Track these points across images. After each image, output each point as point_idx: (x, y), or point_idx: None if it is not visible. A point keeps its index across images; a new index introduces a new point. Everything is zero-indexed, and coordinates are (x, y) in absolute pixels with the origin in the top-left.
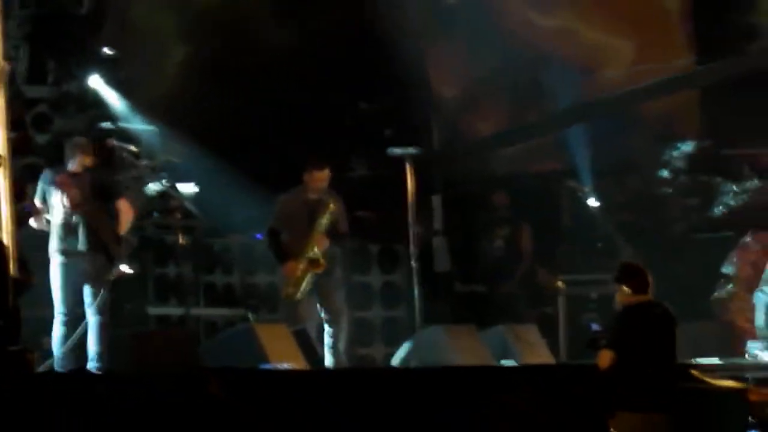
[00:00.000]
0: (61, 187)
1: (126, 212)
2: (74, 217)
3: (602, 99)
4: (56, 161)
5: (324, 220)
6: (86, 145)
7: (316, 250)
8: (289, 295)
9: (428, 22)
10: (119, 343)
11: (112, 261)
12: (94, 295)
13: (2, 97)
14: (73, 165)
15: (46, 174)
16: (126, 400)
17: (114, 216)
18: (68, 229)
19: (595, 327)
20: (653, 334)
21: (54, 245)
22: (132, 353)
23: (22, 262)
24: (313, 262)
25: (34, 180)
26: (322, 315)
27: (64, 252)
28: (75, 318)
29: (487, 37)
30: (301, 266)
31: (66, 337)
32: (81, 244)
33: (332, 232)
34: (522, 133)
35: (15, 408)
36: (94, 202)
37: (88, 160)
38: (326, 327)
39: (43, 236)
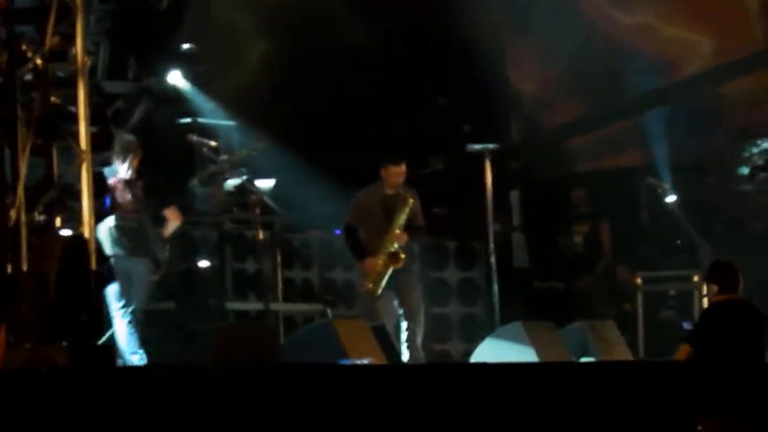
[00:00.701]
0: (115, 192)
1: (173, 220)
2: (125, 222)
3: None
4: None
5: (403, 215)
6: (137, 147)
7: (395, 245)
8: (368, 290)
9: (507, 17)
10: (201, 338)
11: (157, 265)
12: (136, 297)
13: (83, 92)
14: (125, 169)
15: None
16: (207, 394)
17: (162, 220)
18: (120, 233)
19: (686, 326)
20: (738, 332)
21: (106, 247)
22: (213, 348)
23: (102, 257)
24: (394, 257)
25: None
26: (399, 311)
27: (114, 255)
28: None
29: (566, 33)
30: (381, 261)
31: (132, 329)
32: (129, 249)
33: (410, 227)
34: (600, 120)
35: (102, 402)
36: (145, 208)
37: (137, 162)
38: (403, 323)
39: None
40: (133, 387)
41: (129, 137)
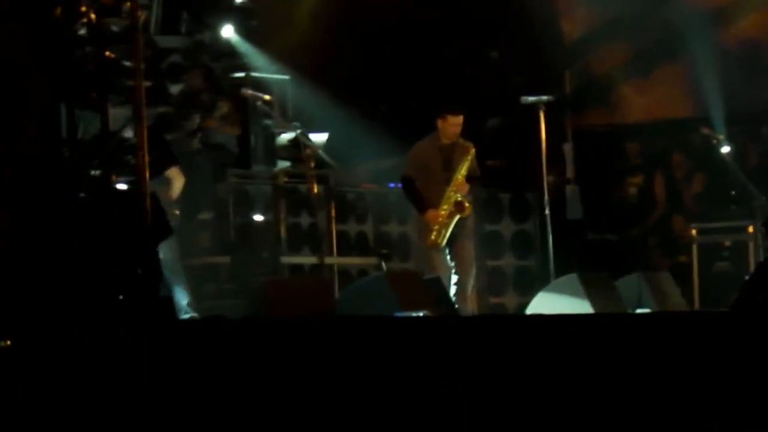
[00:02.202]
0: None
1: (177, 180)
2: None
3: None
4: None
5: (466, 165)
6: None
7: (458, 194)
8: (432, 242)
9: None
10: (254, 291)
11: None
12: None
13: (139, 47)
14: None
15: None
16: (262, 347)
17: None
18: None
19: None
20: None
21: None
22: (269, 300)
23: (157, 211)
24: (459, 206)
25: (168, 129)
26: (452, 263)
27: None
28: None
29: None
30: (444, 212)
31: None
32: None
33: (469, 178)
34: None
35: (165, 356)
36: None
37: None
38: (454, 276)
39: None
40: (191, 340)
41: None
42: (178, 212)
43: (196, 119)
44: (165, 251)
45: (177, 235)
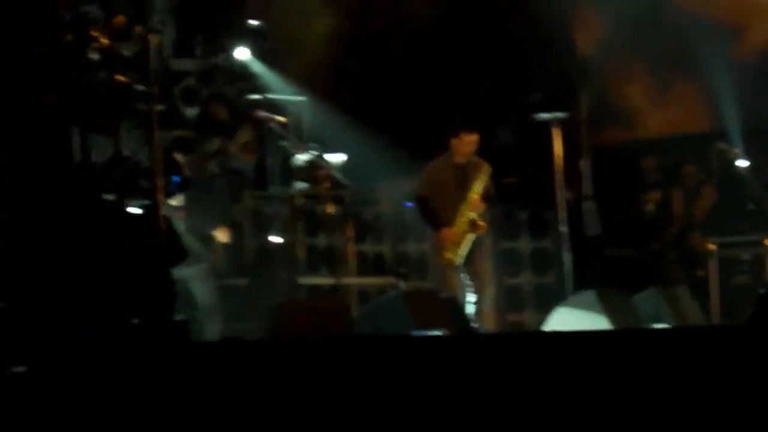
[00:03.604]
0: None
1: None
2: None
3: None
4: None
5: (480, 183)
6: None
7: (473, 213)
8: (448, 260)
9: None
10: (273, 312)
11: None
12: None
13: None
14: None
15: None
16: (279, 368)
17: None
18: None
19: None
20: None
21: None
22: (286, 321)
23: (172, 234)
24: (473, 224)
25: (183, 152)
26: (469, 282)
27: None
28: None
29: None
30: (460, 230)
31: None
32: None
33: (484, 196)
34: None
35: (180, 376)
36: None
37: None
38: (471, 294)
39: None
40: (207, 362)
41: None
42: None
43: (216, 142)
44: (200, 289)
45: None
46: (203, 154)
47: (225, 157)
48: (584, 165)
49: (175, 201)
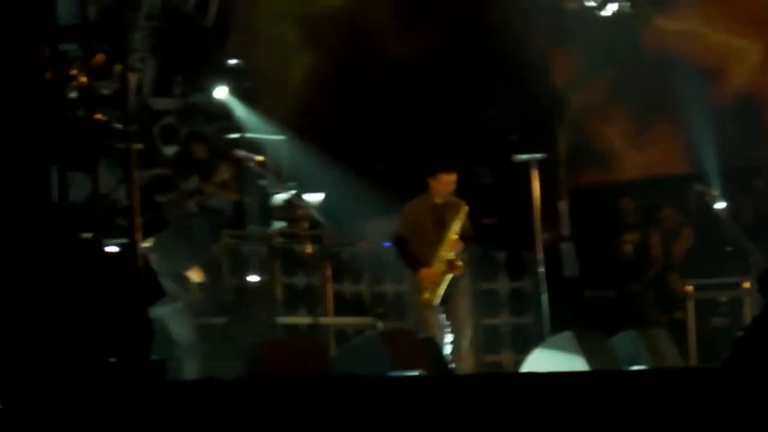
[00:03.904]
0: None
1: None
2: None
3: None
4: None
5: (459, 222)
6: None
7: (451, 253)
8: (425, 300)
9: (552, 27)
10: (248, 352)
11: None
12: None
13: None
14: None
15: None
16: (256, 408)
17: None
18: None
19: None
20: None
21: None
22: (263, 361)
23: (149, 273)
24: (452, 264)
25: (162, 191)
26: (446, 322)
27: None
28: None
29: (611, 42)
30: (438, 270)
31: None
32: None
33: (462, 236)
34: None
35: (157, 418)
36: None
37: None
38: (449, 335)
39: None
40: (184, 401)
41: None
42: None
43: (194, 181)
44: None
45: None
46: (182, 192)
47: (203, 195)
48: (562, 206)
49: (146, 243)
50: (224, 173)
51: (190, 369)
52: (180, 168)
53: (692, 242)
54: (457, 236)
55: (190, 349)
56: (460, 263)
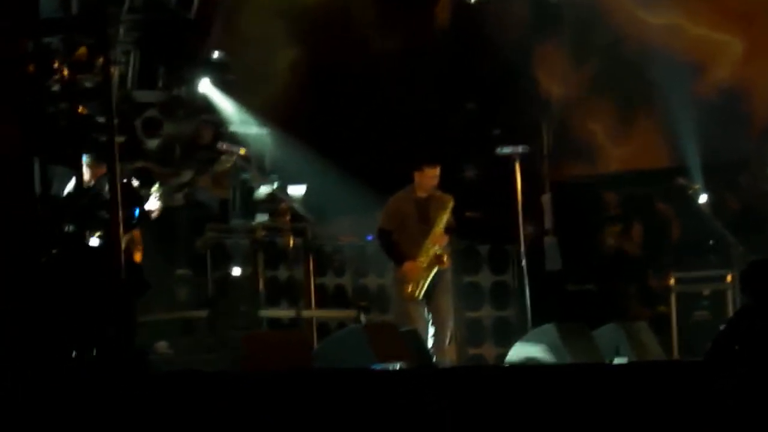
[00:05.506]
0: None
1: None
2: None
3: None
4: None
5: (444, 217)
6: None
7: (437, 247)
8: (410, 294)
9: (535, 20)
10: (231, 345)
11: None
12: None
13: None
14: None
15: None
16: (239, 401)
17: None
18: None
19: None
20: None
21: None
22: (246, 354)
23: (133, 267)
24: (438, 258)
25: (144, 184)
26: (428, 316)
27: None
28: None
29: (594, 35)
30: (423, 264)
31: None
32: None
33: (447, 229)
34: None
35: (139, 410)
36: None
37: None
38: (431, 328)
39: None
40: (166, 395)
41: None
42: None
43: (188, 174)
44: None
45: None
46: (173, 185)
47: (193, 188)
48: (546, 199)
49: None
50: (220, 167)
51: None
52: (161, 161)
53: (677, 236)
54: (442, 230)
55: None
56: (445, 258)
